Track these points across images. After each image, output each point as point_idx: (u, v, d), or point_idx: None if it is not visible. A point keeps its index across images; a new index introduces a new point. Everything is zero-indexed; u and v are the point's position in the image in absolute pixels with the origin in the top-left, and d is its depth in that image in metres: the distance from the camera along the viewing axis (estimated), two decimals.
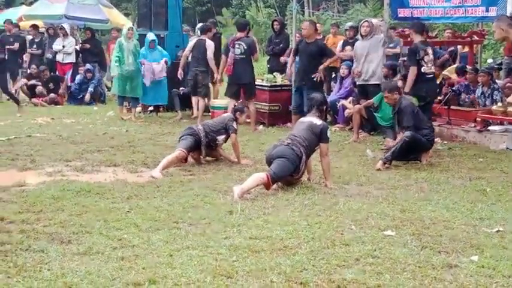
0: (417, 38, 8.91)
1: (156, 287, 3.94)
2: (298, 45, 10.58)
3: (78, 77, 15.57)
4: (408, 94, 8.55)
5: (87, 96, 15.15)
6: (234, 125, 7.95)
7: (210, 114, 12.12)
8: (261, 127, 11.17)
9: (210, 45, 11.65)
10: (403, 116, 7.97)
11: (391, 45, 12.23)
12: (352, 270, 4.24)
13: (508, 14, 8.99)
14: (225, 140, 8.02)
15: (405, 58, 9.94)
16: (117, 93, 12.41)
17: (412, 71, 8.67)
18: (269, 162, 6.72)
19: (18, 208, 5.70)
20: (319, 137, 6.76)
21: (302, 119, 7.20)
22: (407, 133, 7.82)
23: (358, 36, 10.58)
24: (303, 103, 10.02)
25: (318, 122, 6.87)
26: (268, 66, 13.38)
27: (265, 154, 7.03)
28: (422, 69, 8.69)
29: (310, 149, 6.77)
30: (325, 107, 7.18)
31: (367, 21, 10.42)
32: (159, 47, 12.55)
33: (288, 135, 7.00)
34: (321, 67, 10.23)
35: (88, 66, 15.68)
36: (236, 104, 10.17)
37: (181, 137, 7.96)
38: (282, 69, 12.45)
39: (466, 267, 4.31)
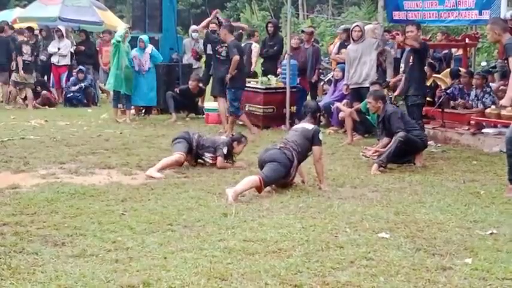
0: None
1: None
2: None
3: (72, 79, 15.54)
4: (410, 92, 8.61)
5: (75, 89, 15.06)
6: (225, 150, 7.82)
7: (203, 116, 12.20)
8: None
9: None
10: (392, 122, 7.97)
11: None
12: (347, 272, 4.25)
13: (502, 17, 9.04)
14: (212, 160, 7.86)
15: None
16: (113, 89, 12.38)
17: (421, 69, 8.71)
18: (261, 166, 6.74)
19: (12, 210, 5.69)
20: (311, 140, 6.77)
21: (295, 127, 7.28)
22: (401, 133, 7.83)
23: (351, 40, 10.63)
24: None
25: (310, 126, 6.90)
26: (263, 68, 13.39)
27: (258, 157, 7.04)
28: (425, 69, 8.75)
29: (303, 154, 6.78)
30: (318, 114, 7.17)
31: (358, 25, 10.48)
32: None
33: (281, 139, 7.01)
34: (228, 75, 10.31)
35: (80, 66, 15.66)
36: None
37: (176, 139, 7.95)
38: (275, 71, 12.50)
39: (460, 269, 4.32)
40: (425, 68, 9.96)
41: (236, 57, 10.05)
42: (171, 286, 3.98)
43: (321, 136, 6.85)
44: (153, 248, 4.69)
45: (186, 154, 7.75)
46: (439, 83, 11.22)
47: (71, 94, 15.18)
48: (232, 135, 8.91)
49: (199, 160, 8.01)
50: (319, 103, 9.34)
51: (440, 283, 4.09)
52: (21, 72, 14.61)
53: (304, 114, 7.17)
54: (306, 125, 6.95)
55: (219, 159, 7.82)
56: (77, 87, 15.14)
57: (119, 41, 12.03)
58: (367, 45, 10.19)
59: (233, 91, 10.39)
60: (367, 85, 10.02)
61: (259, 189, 6.42)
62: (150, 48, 12.42)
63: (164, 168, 7.50)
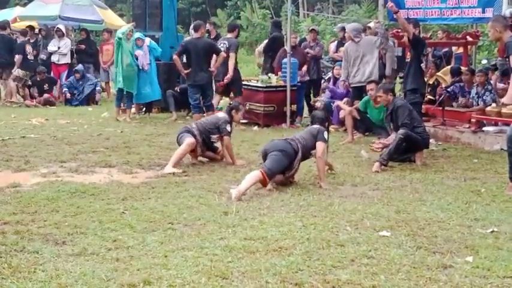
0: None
1: None
2: None
3: (70, 78, 15.49)
4: (409, 89, 8.62)
5: (81, 96, 15.08)
6: (228, 127, 7.89)
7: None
8: (255, 128, 11.17)
9: None
10: (400, 114, 7.97)
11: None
12: (347, 270, 4.24)
13: (508, 14, 9.03)
14: (218, 140, 8.00)
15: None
16: (119, 87, 12.34)
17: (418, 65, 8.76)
18: (264, 156, 6.77)
19: (12, 209, 5.69)
20: (315, 136, 6.83)
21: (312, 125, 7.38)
22: (401, 131, 7.83)
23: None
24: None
25: (316, 126, 7.03)
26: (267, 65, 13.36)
27: (262, 148, 7.06)
28: (422, 65, 8.74)
29: (307, 148, 6.82)
30: (327, 123, 7.26)
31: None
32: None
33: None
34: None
35: (79, 67, 15.60)
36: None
37: (178, 135, 7.96)
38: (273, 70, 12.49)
39: (460, 267, 4.32)
40: (429, 65, 9.94)
41: (173, 56, 10.94)
42: (171, 285, 3.97)
43: (325, 135, 6.91)
44: (153, 247, 4.69)
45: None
46: (440, 81, 11.22)
47: (76, 101, 15.13)
48: (230, 104, 8.97)
49: (207, 141, 8.05)
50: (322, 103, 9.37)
51: (441, 281, 4.08)
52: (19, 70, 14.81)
53: (313, 123, 7.26)
54: (314, 125, 7.09)
55: (226, 139, 7.87)
56: (76, 93, 15.09)
57: (120, 38, 12.01)
58: (368, 44, 10.18)
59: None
60: None
61: (263, 183, 6.44)
62: (147, 40, 12.48)
63: (179, 161, 7.57)
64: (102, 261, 4.38)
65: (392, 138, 8.06)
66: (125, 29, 12.29)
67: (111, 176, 7.21)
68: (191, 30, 14.99)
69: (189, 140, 7.69)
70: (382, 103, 8.40)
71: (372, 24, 10.79)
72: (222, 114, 8.23)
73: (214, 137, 7.96)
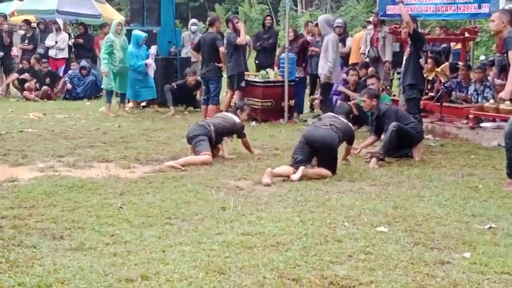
0: None
1: (149, 283, 3.93)
2: None
3: (71, 72, 15.39)
4: (408, 84, 8.64)
5: (80, 90, 15.09)
6: (244, 131, 8.27)
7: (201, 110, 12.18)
8: (253, 123, 11.16)
9: None
10: (387, 119, 8.00)
11: None
12: (345, 266, 4.25)
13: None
14: (228, 139, 8.32)
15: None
16: (106, 88, 12.32)
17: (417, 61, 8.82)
18: (311, 144, 7.04)
19: (10, 203, 5.68)
20: (347, 138, 7.40)
21: (335, 116, 7.59)
22: (393, 124, 7.83)
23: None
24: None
25: (351, 126, 7.57)
26: (257, 62, 13.34)
27: (305, 134, 7.23)
28: (421, 61, 8.73)
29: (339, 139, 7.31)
30: (351, 115, 7.91)
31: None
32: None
33: (325, 117, 7.57)
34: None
35: (83, 63, 15.54)
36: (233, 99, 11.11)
37: (196, 136, 7.89)
38: (270, 65, 12.45)
39: (458, 263, 4.32)
40: (429, 61, 9.91)
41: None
42: (169, 279, 3.97)
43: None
44: (151, 242, 4.69)
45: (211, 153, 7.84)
46: (439, 77, 11.22)
47: (76, 93, 15.12)
48: (235, 104, 9.14)
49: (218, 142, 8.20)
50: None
51: (438, 277, 4.09)
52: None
53: (341, 114, 7.58)
54: (348, 122, 7.49)
55: (244, 139, 8.30)
56: (81, 88, 15.10)
57: (112, 41, 11.96)
58: (328, 40, 10.44)
59: None
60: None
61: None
62: (154, 48, 12.65)
63: (187, 165, 7.44)
64: (100, 256, 4.38)
65: (368, 144, 8.33)
66: (113, 26, 12.27)
67: (108, 171, 7.20)
68: (191, 26, 15.02)
69: (207, 157, 7.64)
70: (366, 108, 8.38)
71: (371, 19, 10.83)
72: (237, 120, 8.28)
73: (226, 138, 8.19)
